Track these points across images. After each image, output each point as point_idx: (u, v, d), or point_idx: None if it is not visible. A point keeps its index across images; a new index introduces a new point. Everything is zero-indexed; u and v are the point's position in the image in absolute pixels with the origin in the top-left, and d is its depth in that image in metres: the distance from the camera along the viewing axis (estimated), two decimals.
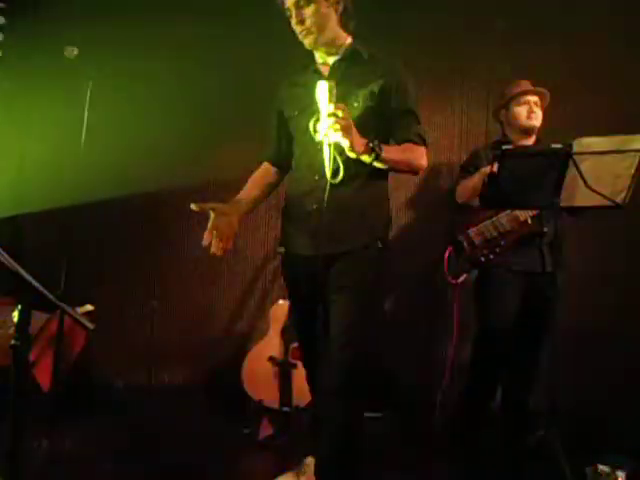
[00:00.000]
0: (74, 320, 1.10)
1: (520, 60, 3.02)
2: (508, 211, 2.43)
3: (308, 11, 1.67)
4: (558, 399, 2.16)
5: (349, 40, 1.80)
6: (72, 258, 2.34)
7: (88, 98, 2.11)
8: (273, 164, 1.95)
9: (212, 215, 1.66)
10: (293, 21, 1.70)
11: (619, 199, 2.02)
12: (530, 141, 2.60)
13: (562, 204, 2.05)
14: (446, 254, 2.55)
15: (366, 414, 2.73)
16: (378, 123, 1.72)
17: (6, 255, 1.08)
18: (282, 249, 1.87)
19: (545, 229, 2.44)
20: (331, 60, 1.77)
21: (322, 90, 1.56)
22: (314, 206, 1.70)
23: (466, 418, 2.53)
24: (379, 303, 1.81)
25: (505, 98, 2.61)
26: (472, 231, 2.48)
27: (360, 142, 1.58)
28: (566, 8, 3.04)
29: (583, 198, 2.04)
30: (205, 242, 1.65)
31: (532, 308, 2.44)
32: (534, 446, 2.31)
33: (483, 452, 2.46)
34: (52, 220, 2.94)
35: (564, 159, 1.95)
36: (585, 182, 2.00)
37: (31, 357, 2.70)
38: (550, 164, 1.98)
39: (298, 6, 1.68)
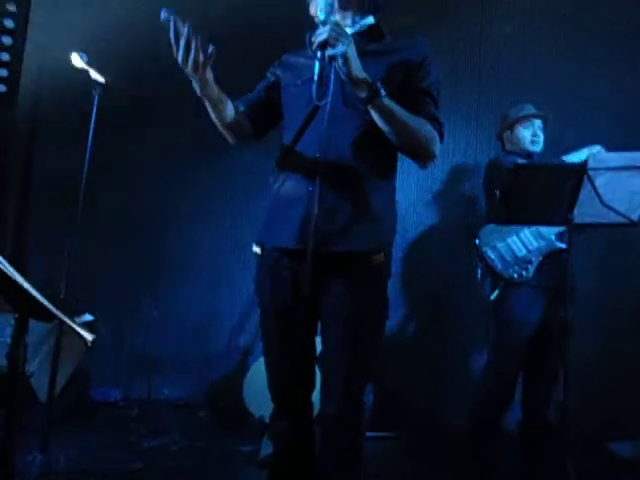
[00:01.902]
0: (73, 331, 1.05)
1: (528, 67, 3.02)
2: (533, 228, 2.43)
3: None
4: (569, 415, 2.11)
5: (370, 19, 1.53)
6: (71, 267, 2.28)
7: (96, 105, 2.08)
8: (242, 110, 1.56)
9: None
10: None
11: (634, 216, 1.98)
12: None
13: (576, 220, 2.01)
14: (478, 271, 2.54)
15: (378, 434, 2.75)
16: None
17: (4, 262, 1.03)
18: (258, 249, 1.52)
19: (566, 246, 2.43)
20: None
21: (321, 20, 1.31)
22: (309, 188, 1.40)
23: (478, 430, 2.51)
24: (384, 320, 1.49)
25: (510, 120, 2.62)
26: (501, 246, 2.47)
27: (359, 65, 1.30)
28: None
29: (598, 215, 2.00)
30: (179, 53, 1.26)
31: (552, 322, 2.40)
32: (549, 462, 2.28)
33: (496, 468, 2.42)
34: (53, 227, 2.91)
35: (579, 175, 1.91)
36: (600, 198, 1.96)
37: (30, 367, 2.65)
38: (565, 179, 1.94)
39: None
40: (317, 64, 1.28)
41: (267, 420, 2.69)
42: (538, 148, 2.56)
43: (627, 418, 2.72)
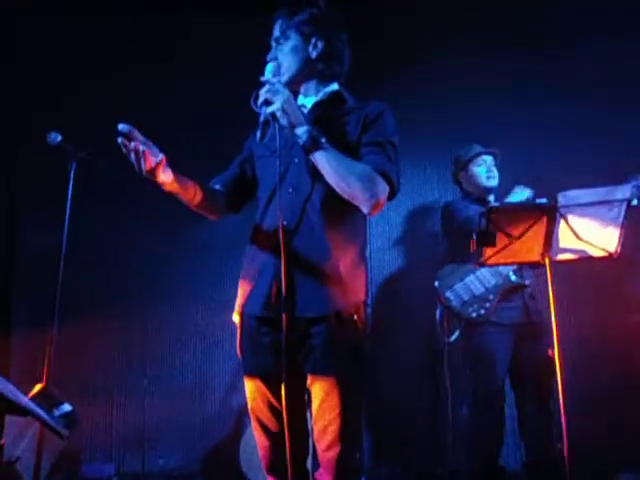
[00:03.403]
0: (48, 428, 1.02)
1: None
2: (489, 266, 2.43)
3: (283, 49, 1.53)
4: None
5: (334, 86, 1.59)
6: (53, 350, 2.23)
7: (72, 181, 2.11)
8: (217, 188, 1.63)
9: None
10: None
11: (611, 249, 2.01)
12: (491, 198, 2.67)
13: (555, 257, 2.03)
14: (437, 312, 2.55)
15: None
16: None
17: None
18: (237, 317, 1.56)
19: (527, 282, 2.47)
20: (309, 102, 1.58)
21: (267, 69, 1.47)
22: (277, 258, 1.41)
23: (476, 472, 2.47)
24: (364, 382, 1.51)
25: (462, 161, 2.70)
26: (458, 286, 2.48)
27: (296, 115, 1.39)
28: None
29: (577, 250, 2.02)
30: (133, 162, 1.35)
31: (528, 359, 2.43)
32: None
33: None
34: (37, 306, 2.88)
35: (551, 213, 1.95)
36: (576, 234, 1.98)
37: (16, 452, 2.56)
38: (538, 218, 1.97)
39: (278, 43, 1.54)
40: (262, 115, 1.41)
41: None
42: (495, 183, 2.64)
43: (629, 451, 2.68)
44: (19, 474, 2.52)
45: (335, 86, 1.60)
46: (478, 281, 2.48)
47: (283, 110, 1.37)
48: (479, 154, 2.66)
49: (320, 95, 1.58)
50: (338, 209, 1.45)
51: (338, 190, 1.42)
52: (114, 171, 2.16)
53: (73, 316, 2.91)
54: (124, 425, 3.13)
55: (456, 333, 2.53)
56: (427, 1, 3.36)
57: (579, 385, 2.75)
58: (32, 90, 3.32)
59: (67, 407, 1.26)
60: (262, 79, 1.44)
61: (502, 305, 2.45)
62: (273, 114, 1.38)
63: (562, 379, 2.02)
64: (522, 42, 3.17)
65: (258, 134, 1.39)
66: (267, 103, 1.38)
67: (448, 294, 2.49)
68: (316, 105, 1.57)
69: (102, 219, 3.19)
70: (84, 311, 3.11)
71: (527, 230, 1.98)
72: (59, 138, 2.05)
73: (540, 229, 1.97)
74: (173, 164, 1.45)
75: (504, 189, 2.68)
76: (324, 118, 1.51)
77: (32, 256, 3.16)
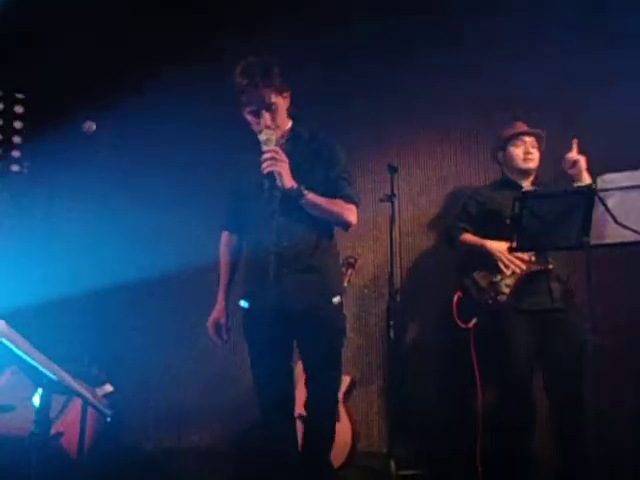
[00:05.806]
0: (93, 408, 1.07)
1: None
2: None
3: (278, 113, 1.93)
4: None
5: (290, 123, 2.03)
6: (97, 320, 2.33)
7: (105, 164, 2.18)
8: (232, 232, 2.17)
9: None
10: (263, 122, 1.90)
11: None
12: (528, 181, 2.58)
13: (593, 242, 1.98)
14: (455, 299, 2.52)
15: (404, 472, 2.69)
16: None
17: (24, 341, 1.07)
18: (245, 303, 2.04)
19: (550, 265, 2.38)
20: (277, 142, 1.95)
21: (262, 139, 1.88)
22: (271, 271, 1.83)
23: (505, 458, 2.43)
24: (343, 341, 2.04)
25: (501, 139, 2.59)
26: (477, 274, 2.47)
27: (289, 177, 1.85)
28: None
29: (614, 235, 1.97)
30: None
31: (551, 346, 2.37)
32: None
33: None
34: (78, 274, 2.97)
35: (589, 197, 1.90)
36: (614, 218, 1.93)
37: (59, 427, 2.69)
38: (575, 203, 1.93)
39: (270, 110, 1.91)
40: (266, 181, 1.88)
41: None
42: (531, 165, 2.52)
43: None
44: (63, 448, 2.65)
45: (290, 122, 2.03)
46: (497, 268, 2.42)
47: (280, 174, 1.85)
48: (519, 134, 2.53)
49: (286, 136, 2.01)
50: (317, 225, 1.96)
51: (322, 219, 1.95)
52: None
53: (110, 296, 3.02)
54: (161, 402, 3.23)
55: (474, 320, 2.49)
56: None
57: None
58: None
59: (109, 387, 1.35)
60: (263, 148, 1.86)
61: (523, 290, 2.38)
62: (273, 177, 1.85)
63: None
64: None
65: (275, 197, 1.85)
66: (269, 172, 1.83)
67: (466, 281, 2.48)
68: (283, 143, 1.95)
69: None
70: (121, 292, 3.21)
71: (564, 215, 1.94)
72: (94, 127, 2.11)
73: (578, 213, 1.92)
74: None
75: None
76: (291, 157, 1.89)
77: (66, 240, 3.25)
